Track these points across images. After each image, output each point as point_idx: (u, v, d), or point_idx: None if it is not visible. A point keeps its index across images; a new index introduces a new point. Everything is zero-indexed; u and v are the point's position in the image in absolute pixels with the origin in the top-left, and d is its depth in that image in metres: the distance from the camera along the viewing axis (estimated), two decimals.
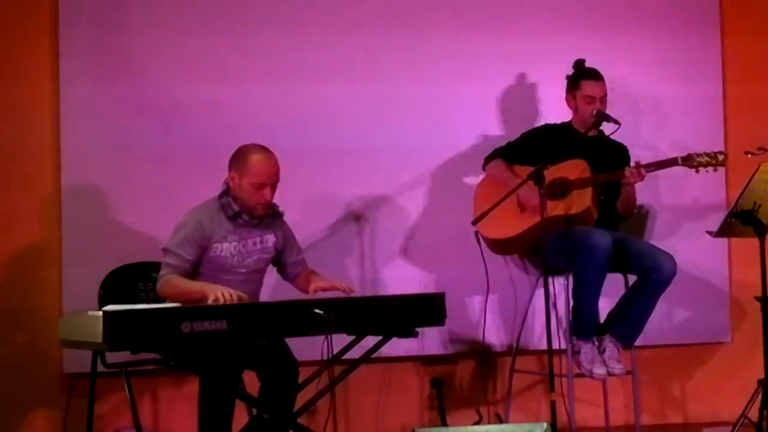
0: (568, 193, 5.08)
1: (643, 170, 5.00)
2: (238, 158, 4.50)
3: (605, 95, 5.17)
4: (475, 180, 5.41)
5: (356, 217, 5.52)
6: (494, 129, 5.61)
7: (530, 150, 5.16)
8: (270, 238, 4.62)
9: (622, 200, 5.17)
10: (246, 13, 5.44)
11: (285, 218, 4.69)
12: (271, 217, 4.61)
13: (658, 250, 5.04)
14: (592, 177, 5.06)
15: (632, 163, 5.13)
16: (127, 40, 5.34)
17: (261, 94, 5.42)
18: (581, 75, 5.20)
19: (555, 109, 5.38)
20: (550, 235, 4.89)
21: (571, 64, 5.25)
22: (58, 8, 5.27)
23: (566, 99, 5.26)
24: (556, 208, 5.03)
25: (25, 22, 5.31)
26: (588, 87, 5.16)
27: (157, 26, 5.36)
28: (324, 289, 4.59)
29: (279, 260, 4.71)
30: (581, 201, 5.05)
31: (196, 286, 4.34)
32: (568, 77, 5.25)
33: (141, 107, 5.34)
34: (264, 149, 4.52)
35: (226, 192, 4.52)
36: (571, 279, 5.01)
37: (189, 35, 5.39)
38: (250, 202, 4.49)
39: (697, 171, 5.02)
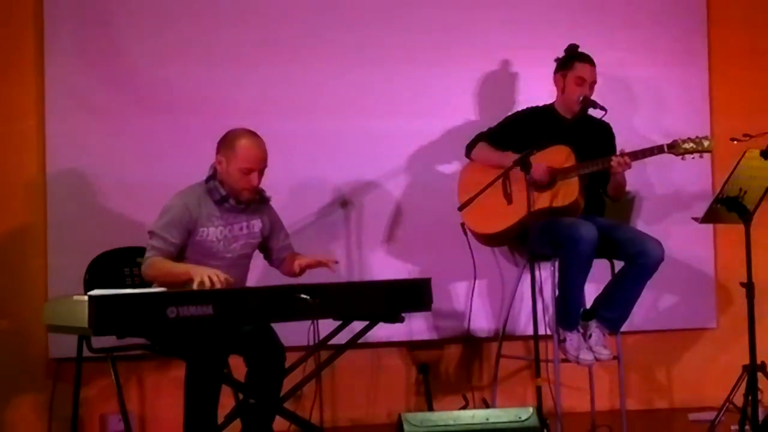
0: (553, 182, 5.06)
1: (628, 159, 4.98)
2: (226, 142, 4.48)
3: (594, 82, 5.15)
4: (461, 165, 5.41)
5: (343, 203, 5.51)
6: (481, 114, 5.60)
7: (515, 134, 5.15)
8: (257, 224, 4.60)
9: (613, 186, 5.17)
10: None
11: (272, 203, 4.68)
12: (258, 203, 4.59)
13: (645, 235, 5.04)
14: (577, 166, 5.04)
15: (617, 146, 5.14)
16: (112, 26, 5.30)
17: (247, 78, 5.40)
18: (575, 56, 5.17)
19: (536, 94, 5.37)
20: (537, 224, 4.89)
21: (552, 47, 5.23)
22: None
23: (555, 78, 5.21)
24: (540, 199, 5.01)
25: (9, 11, 5.27)
26: (581, 68, 5.13)
27: (143, 11, 5.33)
28: (310, 266, 4.59)
29: (265, 246, 4.69)
30: (568, 192, 5.01)
31: (182, 268, 4.32)
32: (558, 59, 5.21)
33: (126, 93, 5.30)
34: (252, 134, 4.49)
35: (213, 176, 4.50)
36: (557, 265, 5.00)
37: (175, 20, 5.36)
38: (237, 187, 4.46)
39: (683, 158, 5.02)
